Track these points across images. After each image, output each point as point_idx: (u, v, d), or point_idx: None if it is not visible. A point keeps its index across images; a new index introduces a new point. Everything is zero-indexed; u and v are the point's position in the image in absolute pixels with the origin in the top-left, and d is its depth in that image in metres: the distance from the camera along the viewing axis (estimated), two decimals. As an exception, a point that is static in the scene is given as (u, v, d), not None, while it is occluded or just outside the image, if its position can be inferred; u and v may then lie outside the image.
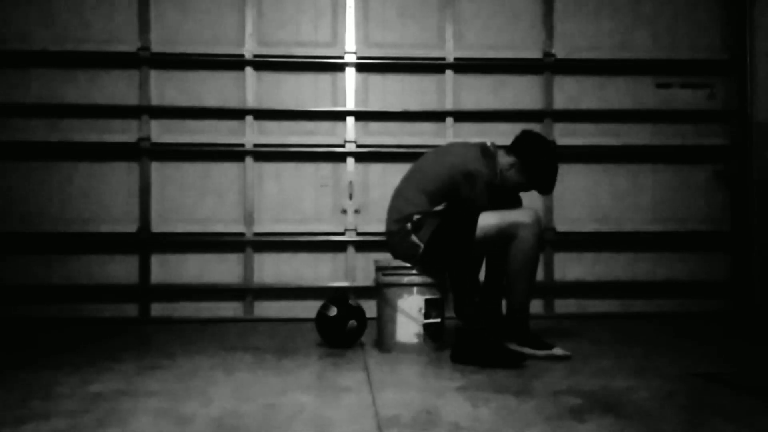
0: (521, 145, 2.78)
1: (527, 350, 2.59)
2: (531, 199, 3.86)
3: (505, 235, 2.62)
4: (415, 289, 2.72)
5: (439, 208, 2.75)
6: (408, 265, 2.75)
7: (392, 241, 2.81)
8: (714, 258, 4.00)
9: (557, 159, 2.81)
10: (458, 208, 2.72)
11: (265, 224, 3.84)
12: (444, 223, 2.70)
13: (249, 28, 3.84)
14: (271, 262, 3.84)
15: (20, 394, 2.00)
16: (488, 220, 2.64)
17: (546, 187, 2.80)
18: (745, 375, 2.32)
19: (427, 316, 2.71)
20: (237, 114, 3.85)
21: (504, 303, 2.79)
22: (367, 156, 3.87)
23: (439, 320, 2.74)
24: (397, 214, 2.78)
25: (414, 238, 2.72)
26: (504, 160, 2.78)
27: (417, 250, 2.71)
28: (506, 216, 2.64)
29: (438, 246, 2.69)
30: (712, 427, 1.67)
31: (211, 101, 3.84)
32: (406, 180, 2.85)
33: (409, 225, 2.73)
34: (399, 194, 2.83)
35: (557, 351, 2.59)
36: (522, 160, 2.74)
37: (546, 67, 3.97)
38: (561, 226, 3.94)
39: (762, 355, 2.77)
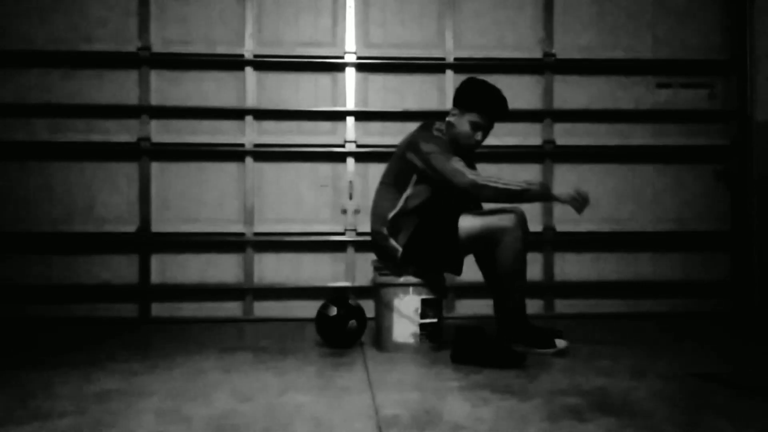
0: (455, 94, 2.78)
1: (536, 351, 2.61)
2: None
3: (489, 240, 2.61)
4: (411, 289, 2.72)
5: (407, 193, 2.72)
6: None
7: (374, 242, 2.84)
8: (714, 258, 4.00)
9: (488, 83, 2.77)
10: (435, 208, 2.70)
11: (265, 224, 3.84)
12: (422, 226, 2.69)
13: (249, 28, 3.84)
14: (271, 262, 3.84)
15: (20, 394, 2.00)
16: (470, 223, 2.63)
17: (497, 110, 2.73)
18: (745, 375, 2.32)
19: (423, 316, 2.71)
20: (237, 114, 3.85)
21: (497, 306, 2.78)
22: (367, 156, 3.86)
23: (435, 320, 2.74)
24: (372, 216, 2.82)
25: (392, 242, 2.74)
26: (448, 118, 2.77)
27: (396, 254, 2.73)
28: (489, 220, 2.62)
29: (417, 249, 2.69)
30: (712, 427, 1.67)
31: (211, 101, 3.84)
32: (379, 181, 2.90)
33: (385, 229, 2.75)
34: (375, 195, 2.87)
35: (560, 344, 2.63)
36: (461, 102, 2.73)
37: (546, 67, 3.97)
38: (561, 226, 3.94)
39: (762, 355, 2.77)
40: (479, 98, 2.72)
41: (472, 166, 2.80)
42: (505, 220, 2.59)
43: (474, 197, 2.70)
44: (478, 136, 2.73)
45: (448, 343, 2.61)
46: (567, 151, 3.96)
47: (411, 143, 2.73)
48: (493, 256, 2.64)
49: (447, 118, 2.79)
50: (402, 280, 2.72)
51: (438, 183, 2.66)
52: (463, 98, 2.75)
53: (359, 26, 3.90)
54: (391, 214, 2.75)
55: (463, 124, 2.73)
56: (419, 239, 2.69)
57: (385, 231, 2.76)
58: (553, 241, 3.94)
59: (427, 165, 2.65)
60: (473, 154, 2.85)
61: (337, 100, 3.89)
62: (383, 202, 2.79)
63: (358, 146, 3.87)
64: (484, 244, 2.64)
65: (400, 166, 2.75)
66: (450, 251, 2.66)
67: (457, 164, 2.61)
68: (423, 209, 2.72)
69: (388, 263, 2.78)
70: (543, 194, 2.65)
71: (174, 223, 3.81)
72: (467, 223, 2.64)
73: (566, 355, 2.61)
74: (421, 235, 2.69)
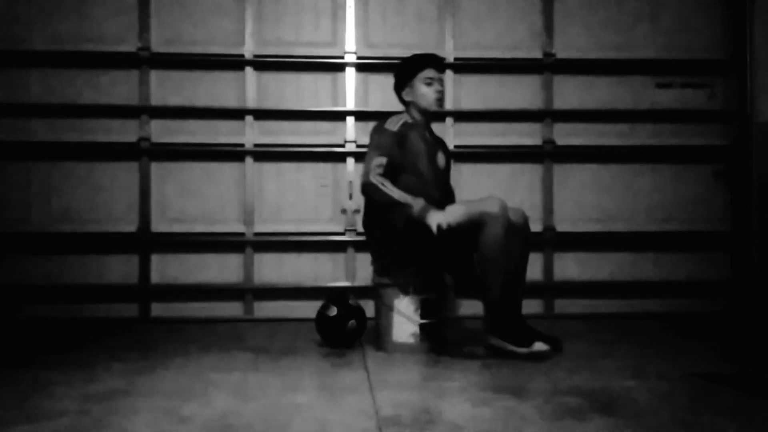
0: (395, 83, 2.93)
1: (509, 347, 2.53)
2: (531, 195, 3.89)
3: (472, 227, 2.54)
4: (411, 289, 2.72)
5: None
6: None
7: (368, 243, 2.89)
8: (714, 258, 4.00)
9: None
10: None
11: (265, 224, 3.84)
12: (410, 224, 2.66)
13: (249, 28, 3.84)
14: (271, 262, 3.84)
15: (20, 394, 2.00)
16: (455, 212, 2.59)
17: (431, 56, 2.89)
18: (745, 375, 2.32)
19: (423, 316, 2.71)
20: (237, 114, 3.85)
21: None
22: (367, 156, 3.86)
23: (435, 320, 2.74)
24: (364, 216, 2.88)
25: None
26: (405, 98, 2.89)
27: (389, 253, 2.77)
28: (473, 206, 2.57)
29: (409, 248, 2.69)
30: (712, 427, 1.67)
31: (212, 101, 3.84)
32: None
33: (367, 228, 2.83)
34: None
35: (538, 346, 2.51)
36: (403, 78, 2.88)
37: (546, 67, 3.97)
38: (561, 226, 3.94)
39: (762, 355, 2.77)
40: (411, 60, 2.90)
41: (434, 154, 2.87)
42: (488, 206, 2.52)
43: (370, 197, 2.71)
44: (437, 86, 2.84)
45: (447, 342, 2.61)
46: (567, 151, 3.96)
47: (371, 133, 2.83)
48: (475, 243, 2.56)
49: (405, 99, 2.89)
50: (402, 280, 2.73)
51: None
52: (402, 73, 2.89)
53: (359, 26, 3.90)
54: (373, 212, 2.80)
55: (417, 90, 2.85)
56: (409, 238, 2.69)
57: (378, 231, 2.80)
58: (553, 241, 3.93)
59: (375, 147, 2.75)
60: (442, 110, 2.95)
61: (337, 100, 3.89)
62: (371, 202, 2.82)
63: (358, 146, 3.86)
64: (468, 232, 2.56)
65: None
66: (437, 246, 2.64)
67: (372, 163, 2.66)
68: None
69: (383, 263, 2.79)
70: (419, 213, 2.57)
71: (174, 223, 3.81)
72: (452, 210, 2.60)
73: (545, 359, 2.50)
74: (410, 233, 2.69)
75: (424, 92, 2.83)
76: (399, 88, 2.91)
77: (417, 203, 2.58)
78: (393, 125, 2.77)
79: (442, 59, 2.92)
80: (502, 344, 2.55)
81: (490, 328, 2.59)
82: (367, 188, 2.66)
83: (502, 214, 2.52)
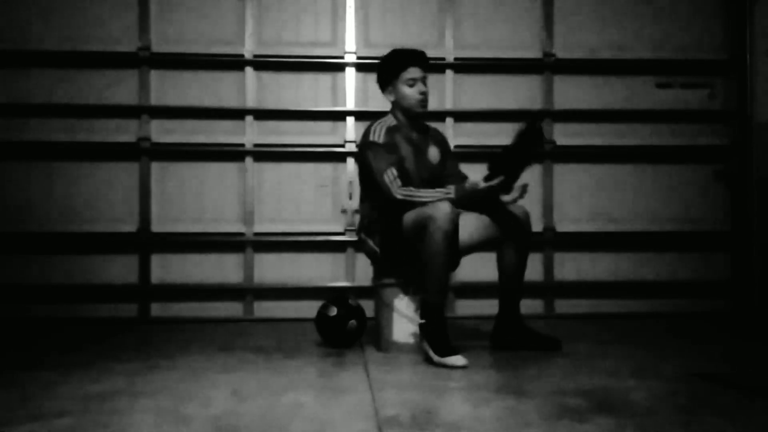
0: (377, 80, 2.82)
1: (429, 352, 2.46)
2: (531, 195, 3.88)
3: (420, 230, 2.51)
4: (411, 289, 2.72)
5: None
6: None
7: (360, 245, 2.93)
8: (714, 258, 4.00)
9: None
10: (387, 209, 2.68)
11: (265, 224, 3.84)
12: (385, 227, 2.70)
13: (249, 28, 3.84)
14: (271, 262, 3.84)
15: (20, 394, 2.00)
16: (408, 217, 2.59)
17: (414, 54, 2.75)
18: (745, 375, 2.32)
19: (423, 316, 2.70)
20: (237, 114, 3.85)
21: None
22: (367, 156, 3.86)
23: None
24: (358, 221, 2.91)
25: (371, 243, 2.78)
26: (388, 98, 2.81)
27: (376, 255, 2.77)
28: (422, 209, 2.52)
29: (390, 249, 2.71)
30: (711, 426, 1.67)
31: (211, 101, 3.84)
32: None
33: (362, 234, 2.82)
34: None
35: (452, 360, 2.40)
36: (386, 77, 2.77)
37: (546, 67, 3.96)
38: (561, 226, 3.94)
39: (762, 355, 2.77)
40: (392, 59, 2.77)
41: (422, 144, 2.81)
42: (434, 210, 2.46)
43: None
44: (420, 87, 2.73)
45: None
46: (567, 151, 3.96)
47: (360, 148, 2.81)
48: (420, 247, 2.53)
49: (389, 99, 2.81)
50: (402, 280, 2.73)
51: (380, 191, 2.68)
52: (385, 72, 2.78)
53: (359, 26, 3.90)
54: (366, 217, 2.81)
55: (401, 90, 2.73)
56: (388, 238, 2.71)
57: (362, 234, 2.82)
58: (553, 241, 3.93)
59: (370, 172, 2.70)
60: (426, 112, 2.80)
61: (337, 100, 3.89)
62: (362, 206, 2.87)
63: (359, 146, 3.86)
64: (418, 235, 2.52)
65: (360, 169, 2.82)
66: (402, 249, 2.66)
67: (386, 182, 2.62)
68: (386, 210, 2.70)
69: (375, 265, 2.82)
70: (460, 200, 2.55)
71: (174, 223, 3.81)
72: (406, 217, 2.60)
73: (548, 360, 2.46)
74: (387, 234, 2.70)
75: (406, 94, 2.72)
76: (382, 87, 2.81)
77: (449, 192, 2.55)
78: (378, 137, 2.70)
79: (424, 55, 2.76)
80: (426, 347, 2.49)
81: (424, 330, 2.52)
82: (401, 205, 2.59)
83: (445, 223, 2.44)
